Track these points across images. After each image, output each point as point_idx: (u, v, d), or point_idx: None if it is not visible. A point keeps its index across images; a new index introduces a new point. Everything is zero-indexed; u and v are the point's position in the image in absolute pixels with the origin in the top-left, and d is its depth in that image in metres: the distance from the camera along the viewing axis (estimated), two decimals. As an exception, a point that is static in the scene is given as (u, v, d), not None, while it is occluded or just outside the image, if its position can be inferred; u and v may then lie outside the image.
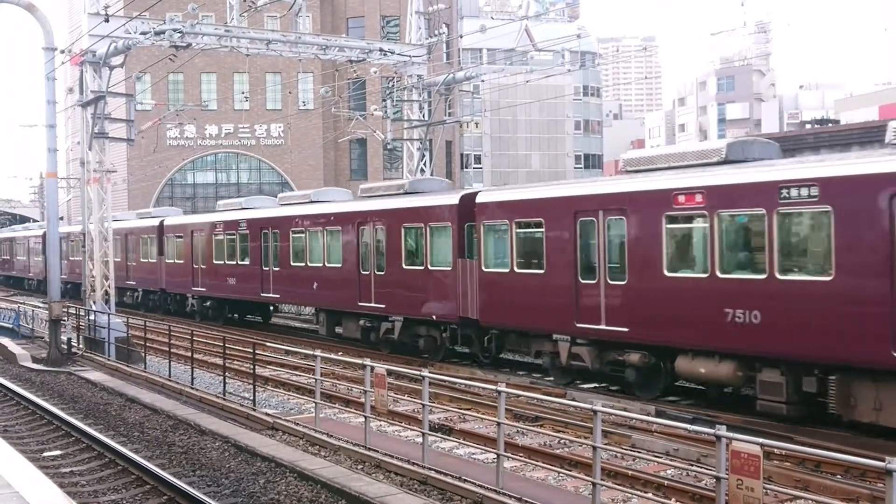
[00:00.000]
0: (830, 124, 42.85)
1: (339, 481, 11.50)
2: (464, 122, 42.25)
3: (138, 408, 17.86)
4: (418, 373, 12.99)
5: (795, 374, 14.19)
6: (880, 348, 12.76)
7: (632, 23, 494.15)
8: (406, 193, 24.32)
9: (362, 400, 14.10)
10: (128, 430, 15.89)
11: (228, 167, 60.85)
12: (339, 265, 25.62)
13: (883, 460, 7.16)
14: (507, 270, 19.68)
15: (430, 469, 11.88)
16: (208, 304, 34.44)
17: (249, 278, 30.47)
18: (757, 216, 14.56)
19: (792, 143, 24.89)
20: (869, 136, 29.63)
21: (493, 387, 11.78)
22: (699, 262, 15.56)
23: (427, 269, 22.27)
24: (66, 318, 27.11)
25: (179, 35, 25.45)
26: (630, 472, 12.17)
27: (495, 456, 11.34)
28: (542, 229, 18.74)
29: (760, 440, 8.21)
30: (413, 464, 12.21)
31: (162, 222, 37.80)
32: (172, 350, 22.30)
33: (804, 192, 13.84)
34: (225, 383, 18.87)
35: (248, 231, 30.74)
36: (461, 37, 59.73)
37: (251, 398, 17.26)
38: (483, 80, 61.13)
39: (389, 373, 14.08)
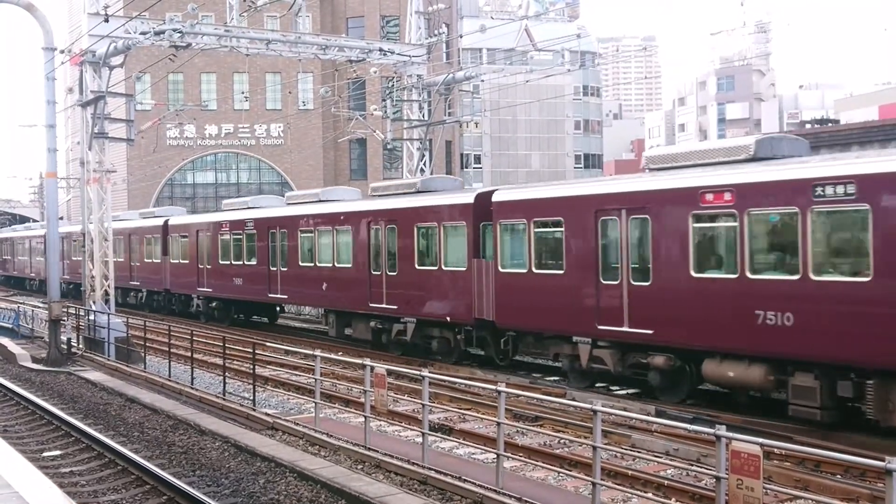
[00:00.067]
0: (830, 124, 42.85)
1: (338, 481, 11.50)
2: (464, 121, 42.25)
3: (138, 408, 17.85)
4: (418, 373, 12.99)
5: (830, 379, 13.70)
6: None
7: (632, 23, 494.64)
8: (418, 192, 23.91)
9: (362, 400, 14.09)
10: (127, 430, 15.89)
11: (228, 167, 60.84)
12: (350, 265, 25.24)
13: (883, 460, 7.16)
14: (524, 271, 19.25)
15: (429, 469, 11.87)
16: (214, 304, 34.16)
17: (256, 279, 30.14)
18: (790, 215, 14.10)
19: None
20: (869, 135, 29.64)
21: (493, 387, 11.78)
22: (728, 262, 15.12)
23: (441, 269, 21.87)
24: (65, 318, 27.10)
25: (179, 35, 25.44)
26: (630, 472, 12.16)
27: (495, 456, 11.34)
28: (562, 229, 18.33)
29: (760, 440, 8.21)
30: (413, 464, 12.21)
31: (166, 222, 37.48)
32: (172, 350, 22.30)
33: (840, 189, 13.34)
34: (225, 383, 18.87)
35: (255, 231, 30.37)
36: (461, 37, 59.76)
37: (251, 398, 17.25)
38: (483, 80, 61.05)
39: (389, 373, 14.08)
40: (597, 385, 18.65)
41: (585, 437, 13.04)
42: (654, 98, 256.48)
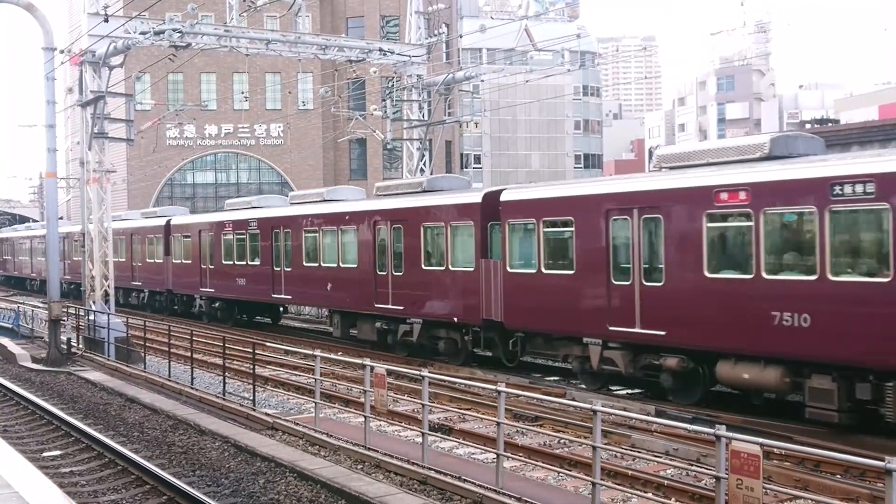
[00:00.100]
0: (830, 124, 42.84)
1: (338, 481, 11.50)
2: (463, 121, 42.31)
3: (138, 408, 17.85)
4: (418, 373, 12.99)
5: (848, 381, 13.43)
6: None
7: (631, 22, 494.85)
8: (424, 192, 23.64)
9: (362, 400, 14.09)
10: (127, 430, 15.89)
11: (228, 167, 60.85)
12: (355, 265, 24.99)
13: (882, 460, 7.16)
14: (533, 271, 18.98)
15: (429, 469, 11.87)
16: (217, 305, 33.95)
17: (260, 279, 29.88)
18: (807, 214, 13.86)
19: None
20: (868, 135, 29.65)
21: (493, 387, 11.78)
22: (743, 262, 14.82)
23: (448, 269, 21.60)
24: (65, 318, 27.10)
25: (179, 35, 25.44)
26: (630, 472, 12.16)
27: (495, 456, 11.34)
28: (572, 228, 18.05)
29: (760, 440, 8.21)
30: (413, 464, 12.21)
31: (168, 222, 37.23)
32: (172, 350, 22.30)
33: (859, 188, 13.06)
34: (225, 383, 18.86)
35: (258, 231, 30.13)
36: (461, 37, 59.80)
37: (251, 398, 17.25)
38: (483, 80, 61.06)
39: (389, 373, 14.08)
40: (610, 387, 18.38)
41: (585, 437, 13.03)
42: (653, 98, 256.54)
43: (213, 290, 33.50)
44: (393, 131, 37.63)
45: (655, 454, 13.30)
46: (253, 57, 32.86)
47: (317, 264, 26.87)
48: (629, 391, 18.18)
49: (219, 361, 21.02)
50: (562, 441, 14.23)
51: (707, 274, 15.24)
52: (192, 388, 19.14)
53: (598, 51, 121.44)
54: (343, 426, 15.57)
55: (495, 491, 10.76)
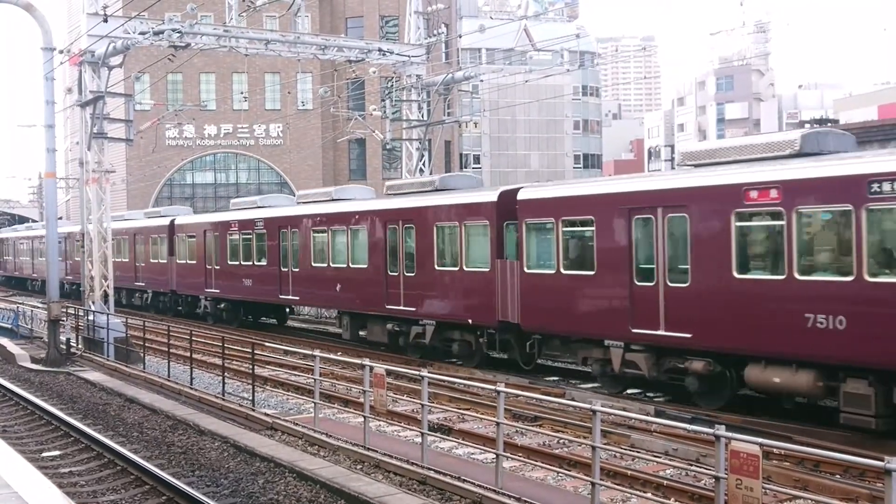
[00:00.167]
0: (829, 124, 42.82)
1: (338, 481, 11.50)
2: (463, 122, 42.24)
3: (137, 408, 17.85)
4: (417, 373, 12.98)
5: (885, 385, 12.97)
6: None
7: (631, 22, 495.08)
8: (437, 190, 23.19)
9: (361, 400, 14.09)
10: (127, 431, 15.88)
11: (227, 167, 60.84)
12: (365, 266, 24.51)
13: (882, 460, 7.16)
14: (552, 271, 18.50)
15: (429, 469, 11.87)
16: (222, 306, 33.50)
17: (267, 279, 29.48)
18: (842, 213, 13.39)
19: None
20: (868, 135, 29.64)
21: (492, 387, 11.78)
22: (774, 262, 14.36)
23: (462, 269, 21.13)
24: (64, 319, 27.09)
25: (178, 35, 25.43)
26: (629, 472, 12.16)
27: (494, 456, 11.34)
28: (593, 228, 17.58)
29: (759, 440, 8.21)
30: (412, 464, 12.20)
31: (173, 222, 36.81)
32: (172, 350, 22.29)
33: None
34: (224, 383, 18.86)
35: (265, 230, 29.71)
36: (460, 37, 59.85)
37: (250, 398, 17.24)
38: (482, 80, 61.14)
39: (388, 373, 14.08)
40: (629, 391, 17.94)
41: (585, 437, 13.03)
42: (653, 98, 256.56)
43: (218, 291, 33.10)
44: (392, 131, 37.65)
45: (655, 454, 13.30)
46: (252, 57, 32.88)
47: (326, 265, 26.46)
48: (651, 395, 17.72)
49: (218, 361, 21.02)
50: (561, 441, 14.23)
51: (736, 274, 14.80)
52: (192, 389, 19.13)
53: (598, 51, 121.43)
54: (342, 426, 15.56)
55: (495, 491, 10.76)
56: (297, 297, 28.68)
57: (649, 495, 10.96)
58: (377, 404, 13.46)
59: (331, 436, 14.10)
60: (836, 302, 13.35)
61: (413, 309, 22.70)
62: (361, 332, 25.50)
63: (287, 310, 34.16)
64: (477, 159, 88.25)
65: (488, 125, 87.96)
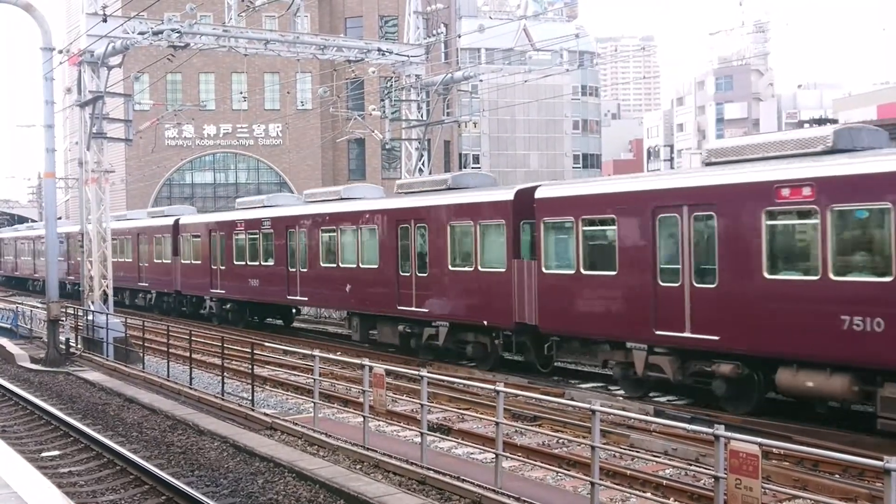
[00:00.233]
0: (829, 124, 42.76)
1: (337, 481, 11.50)
2: (462, 121, 42.24)
3: (137, 408, 17.85)
4: (417, 373, 12.98)
5: None
6: None
7: (630, 22, 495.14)
8: (449, 189, 22.69)
9: (361, 400, 14.09)
10: (126, 431, 15.88)
11: (227, 167, 60.85)
12: (376, 266, 24.06)
13: (881, 460, 7.16)
14: (571, 272, 18.01)
15: (428, 469, 11.87)
16: (228, 306, 33.09)
17: (274, 280, 29.07)
18: (880, 211, 12.92)
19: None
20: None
21: (492, 386, 11.78)
22: (808, 262, 13.91)
23: (477, 270, 20.66)
24: (64, 319, 27.08)
25: (177, 35, 25.43)
26: (628, 472, 12.16)
27: (494, 455, 11.33)
28: (614, 227, 17.11)
29: (759, 440, 8.21)
30: (412, 463, 12.20)
31: (177, 221, 36.39)
32: (171, 350, 22.28)
33: None
34: (223, 383, 18.85)
35: (272, 230, 29.32)
36: (459, 36, 59.93)
37: (250, 398, 17.24)
38: (481, 80, 61.16)
39: (388, 373, 14.08)
40: (651, 395, 17.46)
41: (584, 437, 13.04)
42: (652, 98, 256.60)
43: (224, 292, 32.70)
44: (391, 131, 37.62)
45: (654, 454, 13.30)
46: (251, 57, 32.89)
47: (335, 265, 26.01)
48: (675, 399, 17.27)
49: (218, 361, 21.01)
50: (560, 441, 14.23)
51: (766, 275, 14.35)
52: (191, 388, 19.13)
53: (597, 51, 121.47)
54: (342, 426, 15.56)
55: (494, 491, 10.76)
56: (306, 298, 28.15)
57: (649, 495, 10.97)
58: (377, 404, 13.46)
59: (330, 436, 14.10)
60: (873, 303, 12.91)
61: (426, 310, 22.27)
62: (371, 334, 25.08)
63: (294, 311, 33.72)
64: (476, 159, 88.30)
65: (487, 125, 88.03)
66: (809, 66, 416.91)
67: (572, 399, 16.82)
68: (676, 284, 15.81)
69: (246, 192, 55.71)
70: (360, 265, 24.87)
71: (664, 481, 11.76)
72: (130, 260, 39.92)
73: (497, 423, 11.27)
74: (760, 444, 8.05)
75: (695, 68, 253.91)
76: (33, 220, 72.67)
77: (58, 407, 17.97)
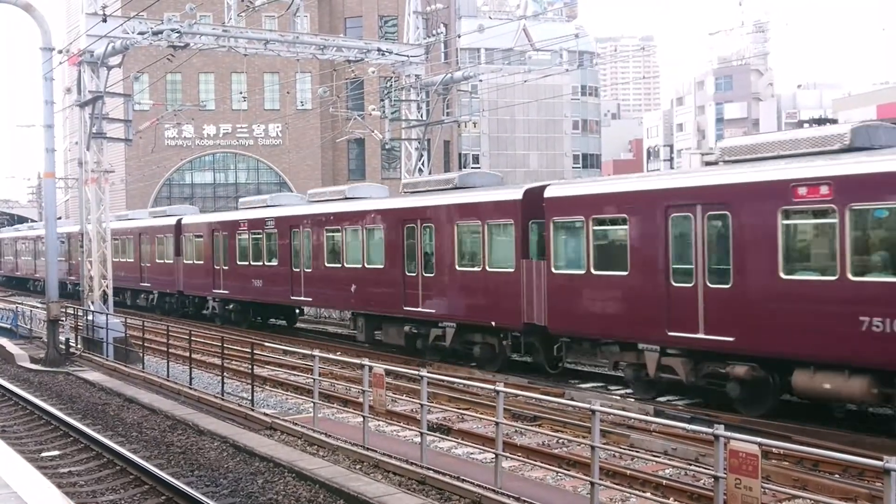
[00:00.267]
0: (828, 124, 42.79)
1: (337, 481, 11.50)
2: (462, 121, 42.25)
3: (136, 408, 17.84)
4: (416, 373, 12.98)
5: None
6: None
7: (630, 22, 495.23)
8: (456, 188, 22.47)
9: (361, 400, 14.09)
10: (126, 430, 15.88)
11: (226, 167, 60.86)
12: (381, 266, 23.83)
13: (881, 459, 7.16)
14: (582, 272, 17.78)
15: (428, 469, 11.87)
16: (231, 307, 32.88)
17: (278, 280, 28.84)
18: None
19: None
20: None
21: (492, 386, 11.78)
22: (826, 263, 13.67)
23: (485, 270, 20.43)
24: (64, 319, 27.08)
25: (177, 35, 25.42)
26: (628, 472, 12.16)
27: (494, 455, 11.33)
28: (626, 226, 16.90)
29: (758, 440, 8.22)
30: (411, 463, 12.20)
31: (179, 221, 36.13)
32: (171, 350, 22.28)
33: None
34: (223, 383, 18.85)
35: (276, 230, 29.06)
36: (459, 36, 59.94)
37: (249, 398, 17.24)
38: (481, 80, 61.22)
39: (388, 372, 14.08)
40: (664, 397, 17.15)
41: (584, 437, 13.04)
42: (652, 98, 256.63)
43: (226, 292, 32.49)
44: (391, 131, 37.63)
45: (654, 454, 13.30)
46: (251, 57, 32.89)
47: (339, 265, 25.79)
48: (689, 401, 16.93)
49: (218, 361, 21.01)
50: (560, 441, 14.23)
51: (782, 275, 14.12)
52: (191, 388, 19.12)
53: (597, 51, 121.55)
54: (342, 426, 15.56)
55: (494, 491, 10.76)
56: (310, 299, 27.91)
57: (648, 495, 10.97)
58: (376, 404, 13.46)
59: (330, 435, 14.10)
60: (893, 304, 12.74)
61: (432, 311, 22.06)
62: (377, 334, 24.89)
63: (297, 311, 33.54)
64: (476, 159, 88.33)
65: (487, 125, 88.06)
66: (809, 66, 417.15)
67: (572, 399, 16.82)
68: (689, 285, 15.60)
69: (246, 192, 55.71)
70: (366, 265, 24.67)
71: (664, 481, 11.76)
72: (132, 260, 39.80)
73: (497, 423, 11.26)
74: (760, 444, 8.05)
75: (694, 68, 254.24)
76: (33, 220, 72.66)
77: (57, 407, 17.96)
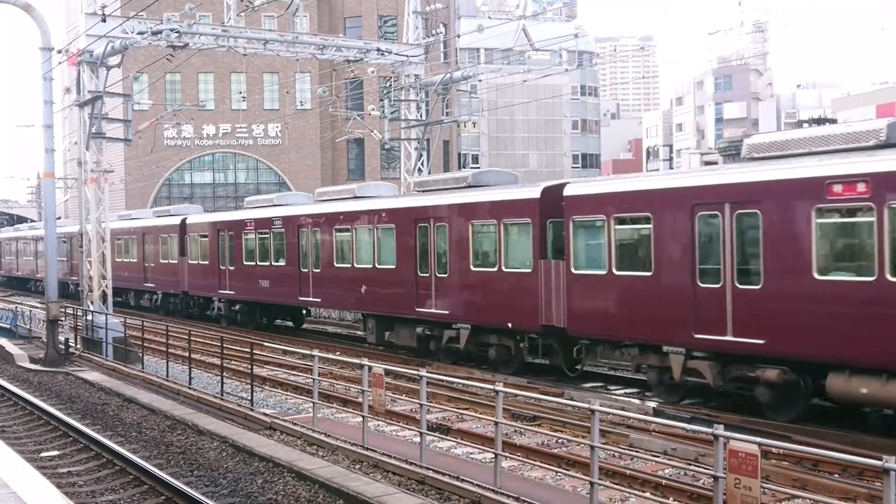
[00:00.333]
0: (828, 124, 42.85)
1: (336, 481, 11.50)
2: (461, 121, 42.29)
3: (136, 408, 17.84)
4: (416, 372, 12.98)
5: None
6: None
7: (629, 22, 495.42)
8: (470, 187, 22.03)
9: (360, 400, 14.09)
10: (125, 431, 15.88)
11: (226, 167, 60.84)
12: (393, 266, 23.42)
13: (880, 459, 7.16)
14: (603, 272, 17.30)
15: (427, 469, 11.87)
16: (237, 307, 32.47)
17: (285, 280, 28.46)
18: None
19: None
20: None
21: (491, 386, 11.78)
22: (862, 262, 13.24)
23: (501, 270, 19.99)
24: (63, 319, 27.08)
25: (177, 35, 25.41)
26: (628, 472, 12.16)
27: (493, 455, 11.32)
28: (650, 225, 16.39)
29: (758, 439, 8.22)
30: (411, 463, 12.20)
31: (184, 221, 35.72)
32: (170, 350, 22.28)
33: None
34: (223, 383, 18.85)
35: (283, 229, 28.68)
36: (458, 36, 59.95)
37: (249, 398, 17.24)
38: (480, 80, 61.24)
39: (387, 372, 14.08)
40: (687, 400, 16.61)
41: (583, 437, 13.04)
42: (651, 98, 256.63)
43: (232, 293, 32.11)
44: (391, 131, 37.60)
45: (654, 454, 13.29)
46: (251, 57, 32.92)
47: (349, 265, 25.35)
48: (713, 405, 16.39)
49: (217, 361, 21.01)
50: (560, 441, 14.24)
51: (816, 276, 13.64)
52: (191, 388, 19.12)
53: (596, 50, 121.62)
54: (341, 426, 15.56)
55: (493, 490, 10.76)
56: (319, 299, 27.45)
57: (648, 495, 10.97)
58: (376, 404, 13.46)
59: (329, 435, 14.10)
60: None
61: (446, 312, 21.63)
62: (388, 336, 24.48)
63: (304, 312, 33.16)
64: (475, 159, 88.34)
65: (487, 125, 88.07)
66: (808, 66, 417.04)
67: (571, 399, 16.81)
68: (717, 285, 15.16)
69: (245, 192, 55.70)
70: (377, 265, 24.28)
71: (663, 481, 11.76)
72: (135, 260, 39.54)
73: (496, 423, 11.26)
74: (760, 444, 8.06)
75: (694, 68, 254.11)
76: (32, 220, 72.62)
77: (57, 407, 17.96)
